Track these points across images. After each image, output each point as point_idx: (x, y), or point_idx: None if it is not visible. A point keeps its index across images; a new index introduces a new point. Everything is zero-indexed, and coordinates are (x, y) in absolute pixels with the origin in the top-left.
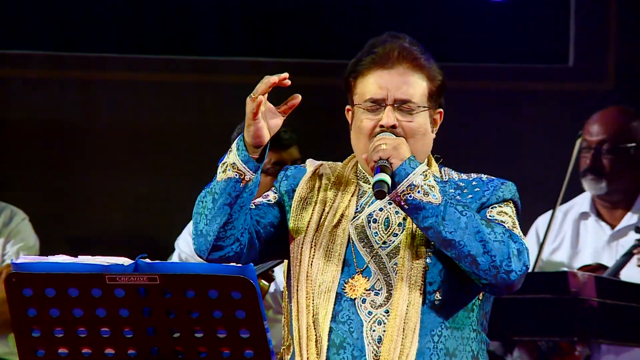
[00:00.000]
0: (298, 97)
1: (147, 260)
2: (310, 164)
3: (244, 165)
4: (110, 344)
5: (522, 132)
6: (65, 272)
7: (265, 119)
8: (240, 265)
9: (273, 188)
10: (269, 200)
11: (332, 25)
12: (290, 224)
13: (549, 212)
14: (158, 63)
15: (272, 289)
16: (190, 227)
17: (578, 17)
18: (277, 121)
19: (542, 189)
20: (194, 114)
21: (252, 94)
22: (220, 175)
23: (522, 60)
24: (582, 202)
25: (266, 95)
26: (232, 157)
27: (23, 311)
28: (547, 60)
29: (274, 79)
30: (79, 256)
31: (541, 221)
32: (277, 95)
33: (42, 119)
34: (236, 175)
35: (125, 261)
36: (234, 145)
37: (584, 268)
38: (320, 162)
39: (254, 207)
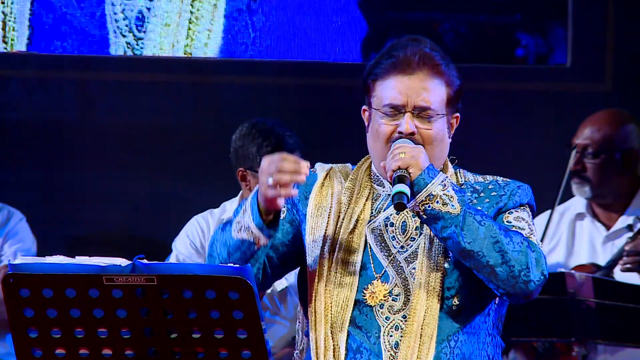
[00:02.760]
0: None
1: (145, 261)
2: (321, 169)
3: (258, 231)
4: (108, 345)
5: (518, 132)
6: (63, 272)
7: None
8: (237, 265)
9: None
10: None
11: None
12: (307, 233)
13: (545, 213)
14: (155, 63)
15: (269, 290)
16: (187, 228)
17: (576, 17)
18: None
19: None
20: (191, 115)
21: (270, 181)
22: (234, 234)
23: (519, 61)
24: (578, 202)
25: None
26: (247, 219)
27: (20, 312)
28: (544, 61)
29: (302, 179)
30: (76, 257)
31: (539, 222)
32: (279, 95)
33: (39, 119)
34: (251, 238)
35: (123, 262)
36: (247, 206)
37: (577, 268)
38: (330, 165)
39: None
